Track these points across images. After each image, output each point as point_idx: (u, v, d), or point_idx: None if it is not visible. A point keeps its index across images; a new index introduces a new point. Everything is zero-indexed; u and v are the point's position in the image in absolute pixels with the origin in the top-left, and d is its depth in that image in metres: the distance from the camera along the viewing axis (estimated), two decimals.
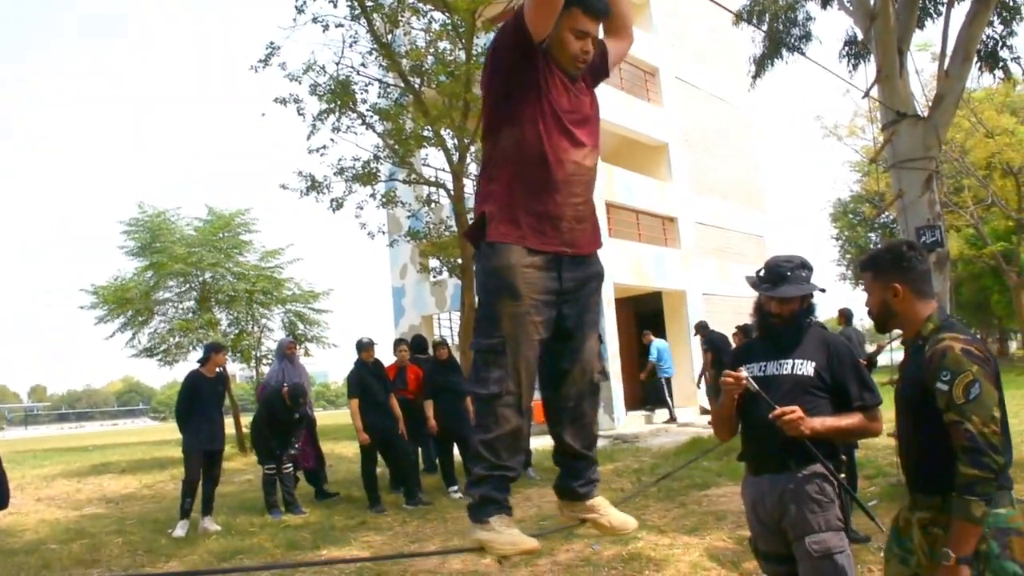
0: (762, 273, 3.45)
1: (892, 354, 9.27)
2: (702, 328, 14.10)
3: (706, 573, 5.58)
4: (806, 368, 3.23)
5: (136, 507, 10.60)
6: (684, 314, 20.35)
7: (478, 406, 2.48)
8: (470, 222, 2.64)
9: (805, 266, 3.37)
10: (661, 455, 11.95)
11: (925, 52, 21.95)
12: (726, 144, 23.87)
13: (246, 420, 17.91)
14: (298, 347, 10.90)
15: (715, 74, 23.69)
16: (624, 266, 18.84)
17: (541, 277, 2.47)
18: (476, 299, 2.63)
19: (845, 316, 13.71)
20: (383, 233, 14.57)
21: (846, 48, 10.86)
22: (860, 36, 8.97)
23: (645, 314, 21.54)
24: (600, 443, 12.75)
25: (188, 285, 16.97)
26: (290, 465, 9.23)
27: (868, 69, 9.37)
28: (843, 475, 3.21)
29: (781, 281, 3.33)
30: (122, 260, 36.51)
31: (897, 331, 2.96)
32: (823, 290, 3.40)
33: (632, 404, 19.14)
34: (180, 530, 8.15)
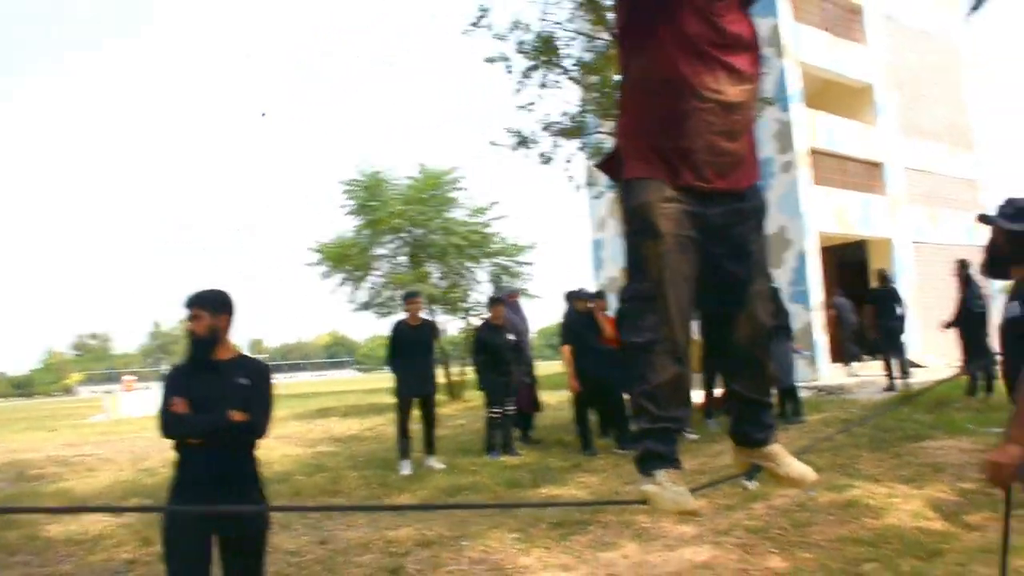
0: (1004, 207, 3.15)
1: None
2: None
3: (929, 523, 5.41)
4: None
5: (362, 447, 11.44)
6: (891, 264, 19.43)
7: (634, 356, 2.31)
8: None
9: None
10: (871, 407, 11.62)
11: None
12: (936, 83, 22.39)
13: (455, 370, 18.86)
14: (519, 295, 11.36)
15: (924, 8, 22.17)
16: (828, 214, 18.24)
17: (682, 212, 2.28)
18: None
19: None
20: (590, 186, 14.78)
21: None
22: None
23: (849, 264, 20.77)
24: (804, 394, 12.58)
25: (401, 241, 17.87)
26: (513, 408, 9.66)
27: None
28: None
29: (1020, 216, 3.05)
30: (339, 219, 38.67)
31: None
32: None
33: (836, 356, 18.59)
34: (405, 469, 8.71)
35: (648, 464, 2.30)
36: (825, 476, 7.04)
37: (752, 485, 6.71)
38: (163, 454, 8.57)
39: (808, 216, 17.66)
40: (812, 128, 18.44)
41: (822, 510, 5.93)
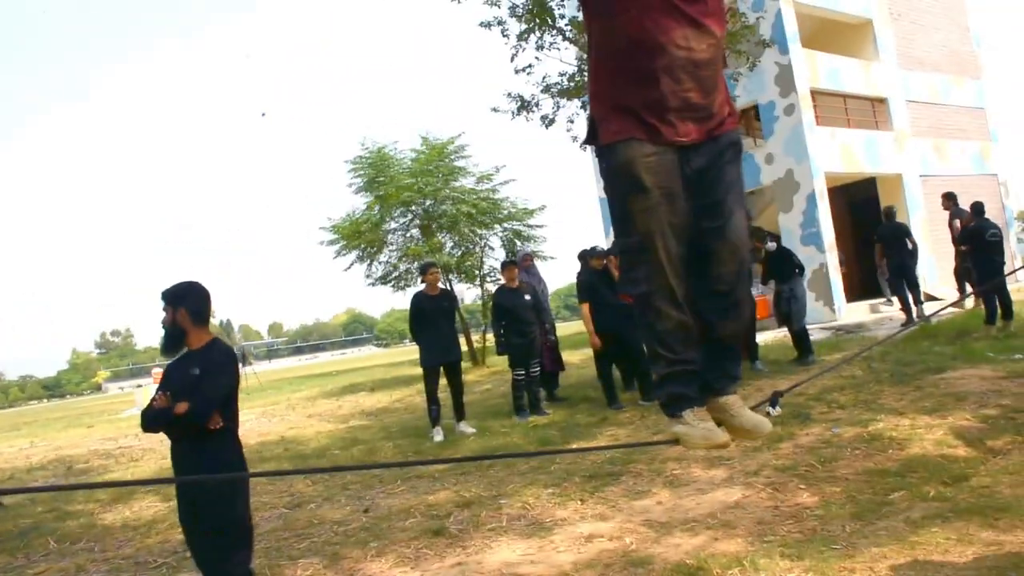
0: None
1: None
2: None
3: (952, 450, 5.51)
4: None
5: (393, 418, 11.61)
6: (901, 199, 19.41)
7: (636, 307, 2.36)
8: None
9: None
10: (890, 344, 11.70)
11: None
12: (935, 11, 22.15)
13: (475, 336, 19.08)
14: (533, 259, 11.50)
15: None
16: (834, 154, 18.21)
17: (665, 163, 2.28)
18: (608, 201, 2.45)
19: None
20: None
21: None
22: None
23: (859, 202, 20.72)
24: (822, 335, 12.72)
25: (412, 214, 17.98)
26: (537, 370, 9.78)
27: None
28: None
29: None
30: (349, 198, 38.93)
31: None
32: None
33: (852, 295, 18.65)
34: (438, 435, 8.87)
35: (673, 406, 2.38)
36: (849, 412, 7.20)
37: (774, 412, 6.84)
38: None
39: (814, 158, 17.63)
40: (812, 68, 18.35)
41: (848, 445, 6.05)
